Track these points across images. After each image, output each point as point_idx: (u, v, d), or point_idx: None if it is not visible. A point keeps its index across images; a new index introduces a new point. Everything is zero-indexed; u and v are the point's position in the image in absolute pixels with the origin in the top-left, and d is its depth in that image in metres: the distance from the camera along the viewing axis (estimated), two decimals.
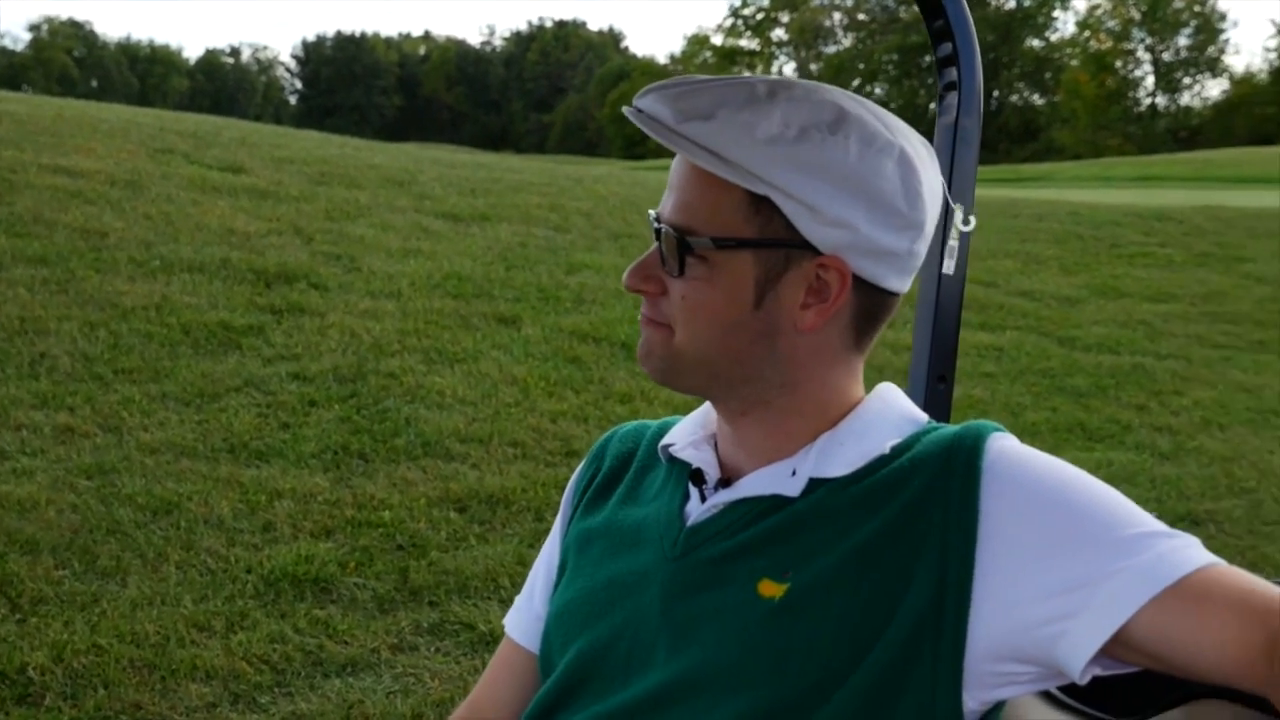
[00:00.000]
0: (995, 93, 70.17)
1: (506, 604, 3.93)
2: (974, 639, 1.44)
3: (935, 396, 1.97)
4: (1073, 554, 1.42)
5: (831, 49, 78.26)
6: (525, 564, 5.30)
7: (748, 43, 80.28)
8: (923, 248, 1.57)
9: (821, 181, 1.48)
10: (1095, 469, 7.12)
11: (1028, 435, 7.81)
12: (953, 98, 2.01)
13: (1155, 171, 31.81)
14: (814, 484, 1.54)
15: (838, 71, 73.91)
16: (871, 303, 1.55)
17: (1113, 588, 1.39)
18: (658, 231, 1.55)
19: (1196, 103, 70.83)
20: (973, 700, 1.46)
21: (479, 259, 9.99)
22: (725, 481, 1.61)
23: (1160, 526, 1.44)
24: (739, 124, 1.48)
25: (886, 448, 1.54)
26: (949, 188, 1.96)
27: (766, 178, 1.47)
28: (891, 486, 1.51)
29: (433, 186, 12.23)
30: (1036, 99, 70.23)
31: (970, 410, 8.12)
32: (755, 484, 1.57)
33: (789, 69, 79.20)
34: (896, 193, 1.51)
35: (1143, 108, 69.54)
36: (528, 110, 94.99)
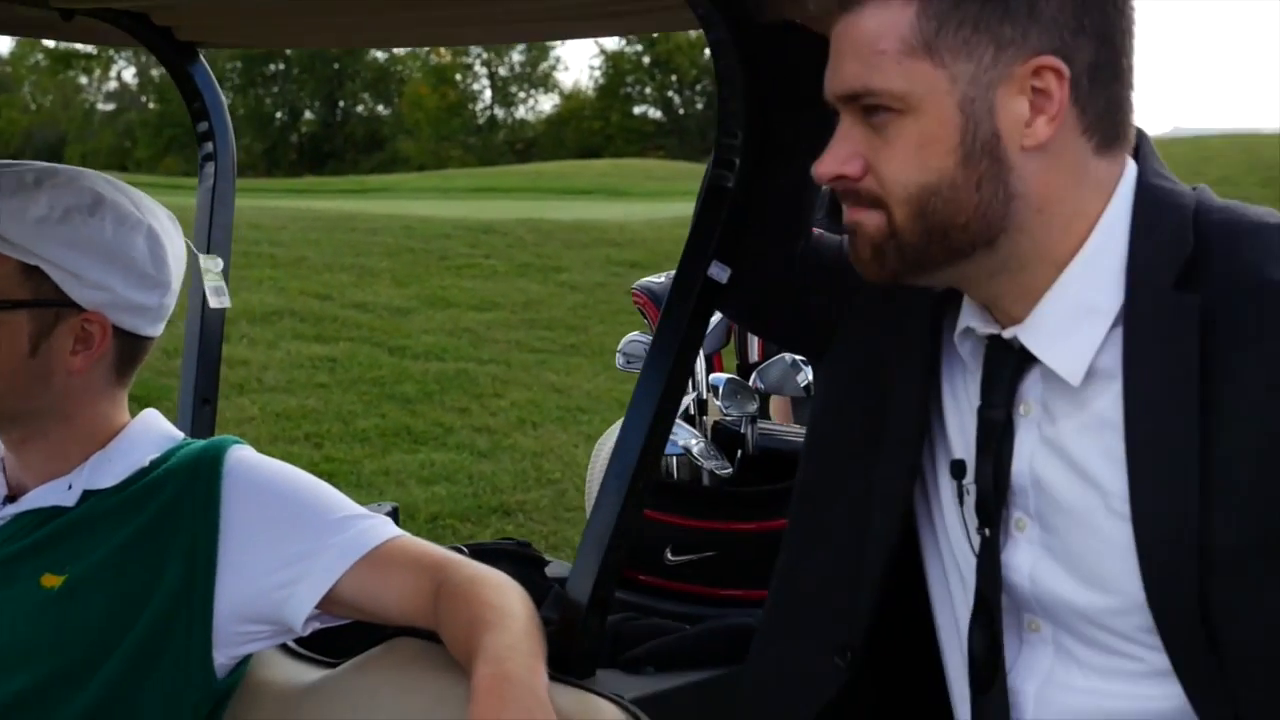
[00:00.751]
0: (340, 103, 70.90)
1: None
2: (220, 607, 1.86)
3: (201, 417, 2.35)
4: (294, 535, 1.87)
5: None
6: None
7: (84, 45, 77.14)
8: (171, 300, 1.98)
9: (83, 255, 1.87)
10: (420, 469, 7.70)
11: (358, 442, 8.29)
12: (210, 167, 2.38)
13: (492, 183, 33.25)
14: (87, 495, 1.91)
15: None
16: (132, 347, 1.96)
17: (323, 560, 1.85)
18: None
19: (531, 116, 74.66)
20: (223, 656, 1.88)
21: None
22: (12, 497, 1.94)
23: (361, 510, 1.92)
24: (11, 208, 1.84)
25: (146, 461, 1.94)
26: (208, 243, 2.35)
27: (37, 252, 1.85)
28: (149, 492, 1.91)
29: None
30: (381, 109, 71.59)
31: (304, 420, 8.51)
32: (37, 498, 1.92)
33: (129, 74, 76.65)
34: (146, 260, 1.92)
35: (482, 120, 72.45)
36: None
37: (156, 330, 1.97)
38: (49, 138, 73.81)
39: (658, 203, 25.70)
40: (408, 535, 1.91)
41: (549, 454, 8.32)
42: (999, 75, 1.40)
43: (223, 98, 2.41)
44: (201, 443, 1.98)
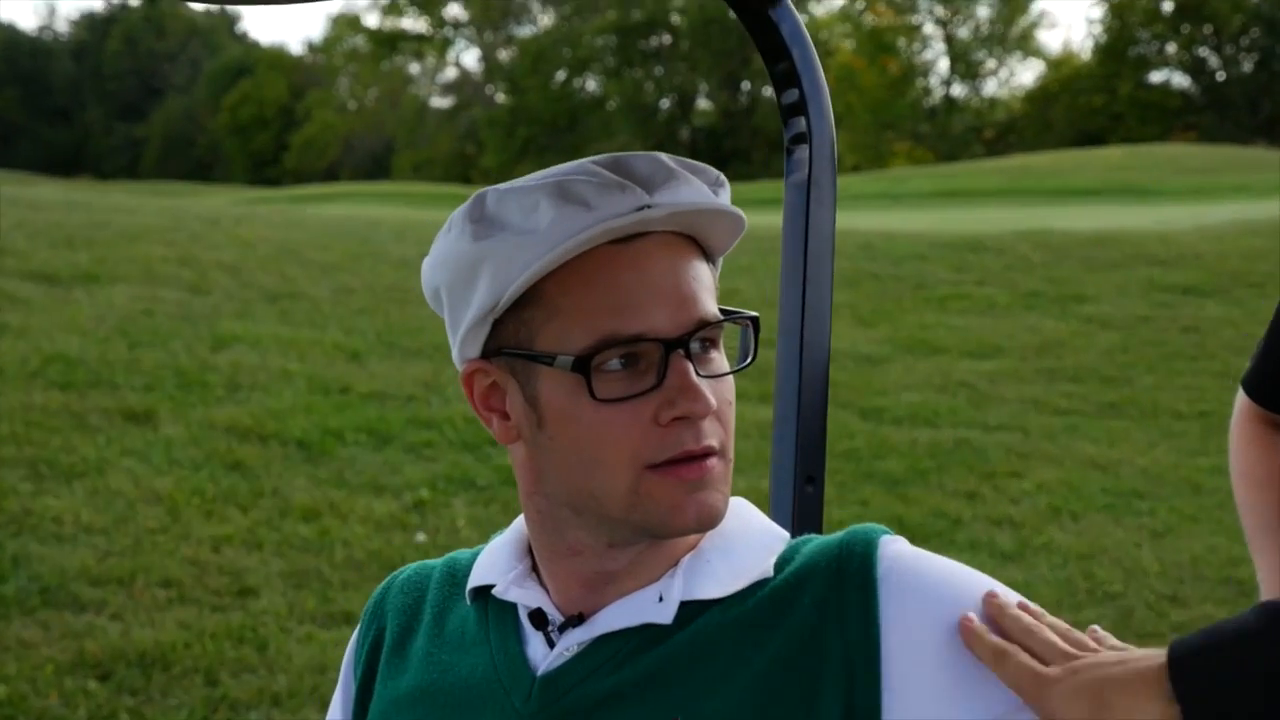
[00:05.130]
0: (745, 85, 72.32)
1: None
2: None
3: (805, 501, 2.28)
4: (993, 677, 1.76)
5: (527, 30, 79.68)
6: None
7: (412, 23, 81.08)
8: None
9: None
10: None
11: None
12: (803, 151, 2.33)
13: (958, 185, 33.25)
14: (686, 608, 1.85)
15: (536, 60, 75.06)
16: None
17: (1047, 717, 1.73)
18: (700, 328, 1.84)
19: (1004, 92, 74.27)
20: None
21: (90, 334, 10.07)
22: (577, 619, 1.90)
23: None
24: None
25: (770, 567, 1.86)
26: (805, 260, 2.30)
27: None
28: (778, 607, 1.83)
29: (12, 237, 12.20)
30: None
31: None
32: (617, 616, 1.86)
33: (471, 56, 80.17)
34: None
35: (936, 100, 72.50)
36: (111, 119, 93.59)
37: None
38: (373, 145, 78.24)
39: (1200, 203, 25.13)
40: None
41: (1100, 556, 8.19)
42: None
43: (817, 59, 2.37)
44: (837, 535, 1.91)
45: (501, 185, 1.80)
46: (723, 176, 1.85)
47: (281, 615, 6.59)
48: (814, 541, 1.90)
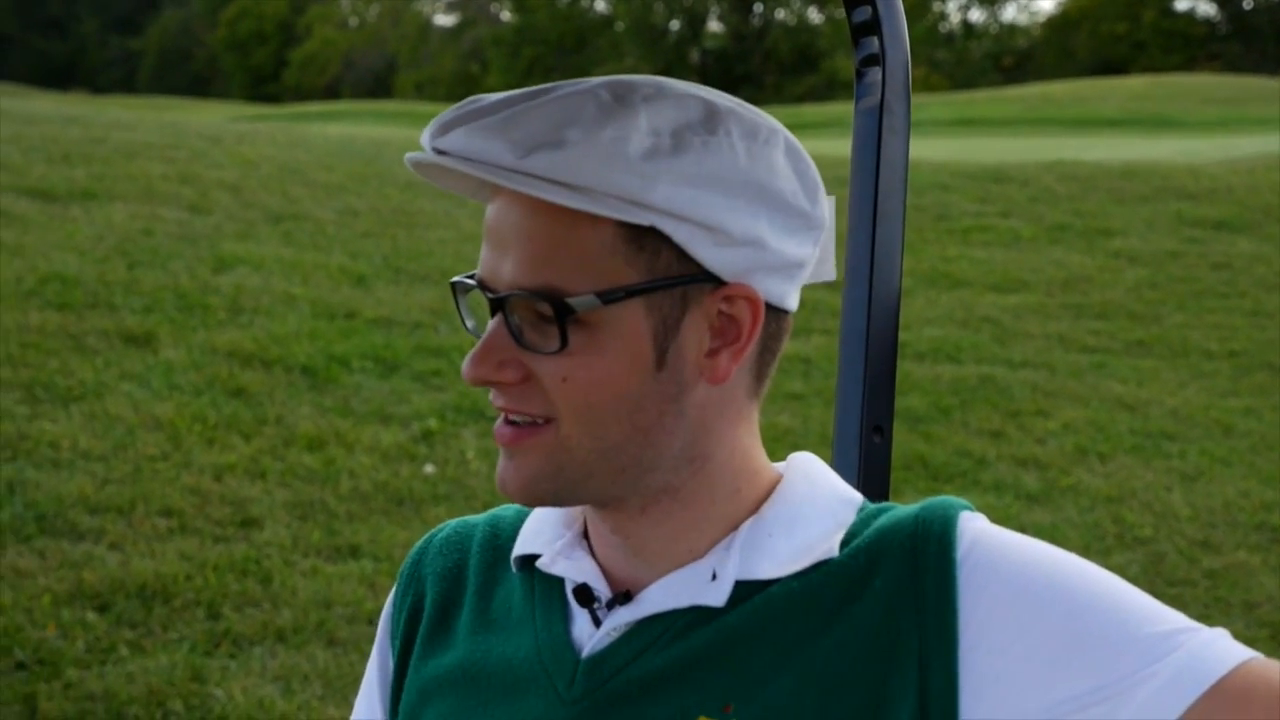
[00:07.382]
0: (758, 8, 71.86)
1: None
2: None
3: (872, 453, 2.16)
4: (1084, 661, 1.62)
5: None
6: (200, 678, 5.37)
7: None
8: (817, 251, 1.78)
9: (715, 194, 1.67)
10: None
11: None
12: (875, 74, 2.20)
13: (977, 113, 33.07)
14: (742, 589, 1.71)
15: None
16: (773, 332, 1.74)
17: (1141, 698, 1.60)
18: (499, 301, 1.69)
19: (1024, 18, 73.89)
20: None
21: (88, 254, 9.98)
22: (625, 596, 1.76)
23: (1182, 619, 1.66)
24: (602, 143, 1.64)
25: (835, 546, 1.73)
26: (875, 194, 2.18)
27: (648, 203, 1.64)
28: (846, 588, 1.68)
29: (7, 151, 12.09)
30: (814, 16, 72.01)
31: (778, 444, 8.44)
32: (665, 595, 1.71)
33: None
34: (796, 190, 1.70)
35: (953, 25, 72.09)
36: (106, 31, 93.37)
37: (796, 301, 1.78)
38: (374, 63, 77.82)
39: (1227, 135, 24.93)
40: (1262, 657, 1.67)
41: (1129, 499, 8.10)
42: None
43: None
44: (910, 509, 1.76)
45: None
46: None
47: (285, 547, 6.52)
48: (884, 516, 1.75)
